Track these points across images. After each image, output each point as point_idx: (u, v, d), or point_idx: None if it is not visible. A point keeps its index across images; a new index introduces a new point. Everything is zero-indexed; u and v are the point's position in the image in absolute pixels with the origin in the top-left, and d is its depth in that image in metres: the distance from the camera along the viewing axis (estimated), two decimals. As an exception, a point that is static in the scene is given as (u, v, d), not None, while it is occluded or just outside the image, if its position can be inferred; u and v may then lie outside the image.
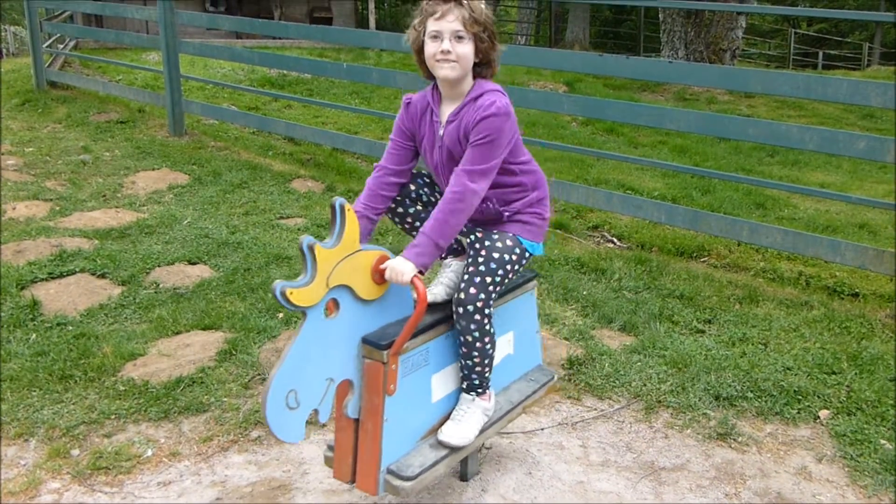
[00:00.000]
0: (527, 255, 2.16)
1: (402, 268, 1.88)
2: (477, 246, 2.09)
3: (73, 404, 2.57)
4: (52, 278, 3.61)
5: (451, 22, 1.96)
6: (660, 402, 2.71)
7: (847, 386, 2.76)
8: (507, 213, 2.13)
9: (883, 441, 2.43)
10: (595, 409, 2.71)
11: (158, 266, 3.82)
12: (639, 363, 2.98)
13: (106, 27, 13.43)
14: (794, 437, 2.49)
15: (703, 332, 3.32)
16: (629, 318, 3.41)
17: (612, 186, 5.96)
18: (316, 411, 1.78)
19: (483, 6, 2.03)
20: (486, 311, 2.06)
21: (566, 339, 3.21)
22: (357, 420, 1.90)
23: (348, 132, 7.23)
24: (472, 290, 2.02)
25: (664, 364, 2.96)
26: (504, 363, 2.27)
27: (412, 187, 2.16)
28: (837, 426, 2.52)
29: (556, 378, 2.46)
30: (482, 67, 2.05)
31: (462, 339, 2.06)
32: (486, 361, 2.12)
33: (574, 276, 3.96)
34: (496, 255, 2.07)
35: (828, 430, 2.51)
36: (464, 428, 2.09)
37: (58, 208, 4.74)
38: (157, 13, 6.56)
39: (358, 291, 1.85)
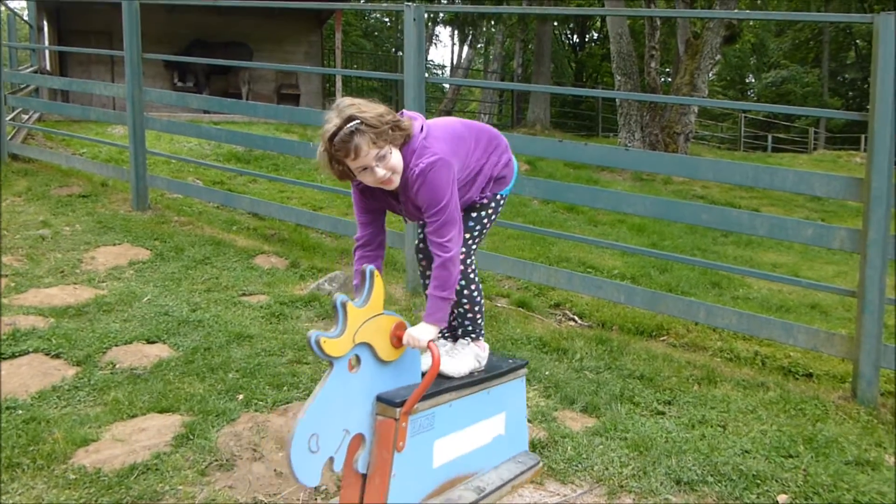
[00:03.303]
0: (502, 200, 2.43)
1: (418, 335, 2.09)
2: None
3: (20, 495, 2.47)
4: (4, 359, 3.51)
5: (367, 154, 2.05)
6: (622, 486, 2.70)
7: (804, 470, 2.80)
8: (484, 196, 2.40)
9: (840, 526, 2.45)
10: (558, 495, 2.69)
11: (116, 345, 3.74)
12: (601, 446, 2.98)
13: (72, 101, 13.51)
14: (754, 523, 2.50)
15: (663, 413, 3.35)
16: (591, 399, 3.43)
17: (573, 264, 6.08)
18: (332, 459, 1.91)
19: (372, 109, 2.09)
20: (468, 260, 2.34)
21: (529, 421, 3.19)
22: (364, 476, 2.02)
23: (313, 207, 7.29)
24: None
25: (626, 447, 2.97)
26: (495, 443, 2.43)
27: (424, 263, 2.41)
28: (796, 511, 2.54)
29: (541, 463, 2.51)
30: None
31: None
32: (476, 308, 2.37)
33: (536, 357, 3.98)
34: (474, 214, 2.35)
35: (787, 516, 2.53)
36: (457, 362, 2.28)
37: (13, 285, 4.65)
38: (126, 91, 6.64)
39: (377, 351, 2.03)
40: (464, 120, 2.47)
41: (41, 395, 3.22)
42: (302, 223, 6.29)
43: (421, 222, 2.41)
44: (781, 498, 2.63)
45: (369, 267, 2.00)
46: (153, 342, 3.84)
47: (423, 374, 2.07)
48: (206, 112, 12.97)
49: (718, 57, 14.26)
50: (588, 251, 6.68)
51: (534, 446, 2.95)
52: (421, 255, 2.56)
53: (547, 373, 3.73)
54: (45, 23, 14.34)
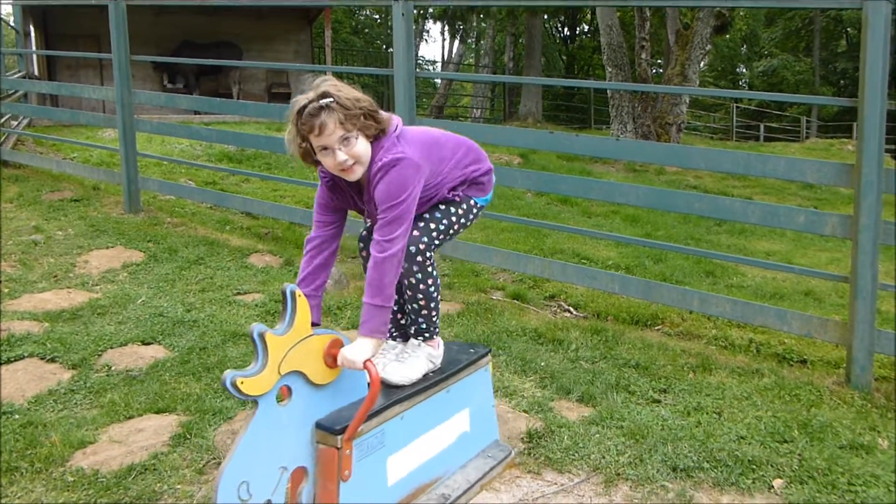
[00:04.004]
0: (476, 207, 2.28)
1: (353, 356, 1.90)
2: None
3: (19, 498, 2.47)
4: (0, 364, 3.50)
5: (331, 133, 1.96)
6: (619, 474, 2.72)
7: (799, 454, 2.81)
8: (456, 194, 2.27)
9: (835, 509, 2.47)
10: (556, 484, 2.70)
11: (111, 348, 3.74)
12: (597, 435, 3.00)
13: (61, 106, 13.46)
14: (750, 508, 2.52)
15: (658, 401, 3.36)
16: (587, 388, 3.44)
17: (567, 255, 6.09)
18: (269, 502, 1.76)
19: (347, 91, 2.02)
20: (428, 253, 2.15)
21: (525, 411, 3.21)
22: None
23: (306, 205, 7.28)
24: (415, 233, 2.11)
25: (622, 435, 2.98)
26: (461, 440, 2.28)
27: (365, 254, 2.26)
28: (791, 495, 2.56)
29: (513, 453, 2.46)
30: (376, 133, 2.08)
31: (406, 282, 2.13)
32: (432, 305, 2.19)
33: (532, 348, 3.99)
34: (443, 207, 2.20)
35: (782, 500, 2.55)
36: (406, 368, 2.12)
37: (6, 291, 4.64)
38: (115, 93, 6.62)
39: (310, 376, 1.85)
40: (444, 131, 2.39)
41: (38, 399, 3.22)
42: (295, 221, 6.29)
43: None
44: (777, 482, 2.64)
45: (289, 287, 1.81)
46: (148, 343, 3.84)
47: (369, 386, 1.87)
48: (196, 113, 12.95)
49: (709, 47, 14.28)
50: (582, 242, 6.69)
51: (530, 436, 2.97)
52: (362, 245, 2.40)
53: (543, 364, 3.74)
54: (32, 28, 14.27)
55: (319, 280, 2.17)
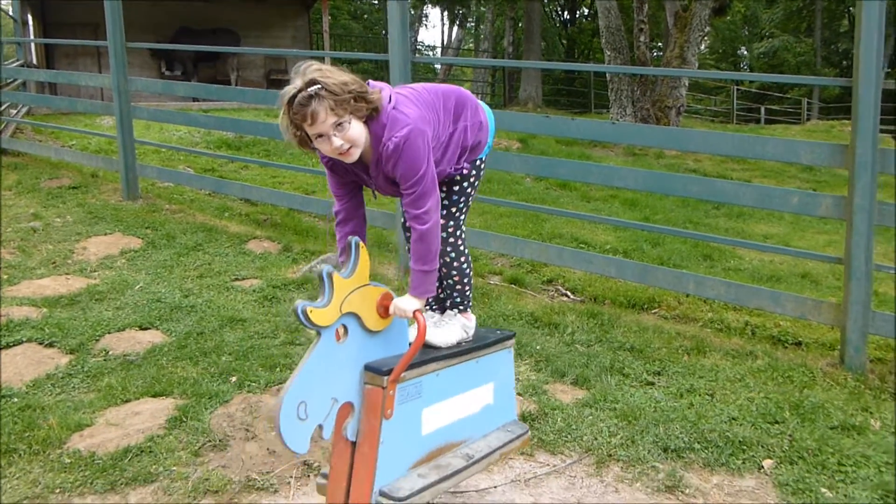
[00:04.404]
0: (483, 163, 2.43)
1: (404, 306, 2.09)
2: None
3: (17, 479, 2.50)
4: (-2, 349, 3.53)
5: (323, 121, 1.98)
6: (610, 455, 2.74)
7: (789, 435, 2.83)
8: (460, 168, 2.37)
9: (824, 489, 2.49)
10: (547, 465, 2.73)
11: (108, 333, 3.77)
12: (590, 417, 3.02)
13: (59, 94, 13.43)
14: (739, 488, 2.54)
15: (652, 384, 3.38)
16: (581, 371, 3.46)
17: (565, 240, 6.10)
18: (320, 427, 1.92)
19: (336, 76, 2.02)
20: (457, 233, 2.37)
21: (520, 394, 3.24)
22: (354, 444, 2.03)
23: (305, 191, 7.29)
24: (442, 221, 2.29)
25: (615, 417, 3.01)
26: (484, 412, 2.42)
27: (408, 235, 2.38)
28: (780, 475, 2.58)
29: (529, 432, 2.53)
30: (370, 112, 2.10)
31: (441, 261, 2.32)
32: (465, 280, 2.41)
33: (528, 331, 4.01)
34: (456, 188, 2.36)
35: (772, 480, 2.57)
36: (444, 332, 2.31)
37: (5, 277, 4.66)
38: (112, 81, 6.61)
39: (364, 321, 2.05)
40: (427, 85, 2.39)
41: (36, 383, 3.25)
42: (294, 207, 6.30)
43: (397, 197, 2.38)
44: (767, 462, 2.67)
45: (354, 238, 2.00)
46: (146, 328, 3.87)
47: (411, 344, 2.09)
48: (194, 100, 12.90)
49: (708, 29, 14.19)
50: (581, 226, 6.69)
51: (524, 419, 2.99)
52: (408, 234, 2.53)
53: (538, 347, 3.76)
54: (30, 17, 14.22)
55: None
